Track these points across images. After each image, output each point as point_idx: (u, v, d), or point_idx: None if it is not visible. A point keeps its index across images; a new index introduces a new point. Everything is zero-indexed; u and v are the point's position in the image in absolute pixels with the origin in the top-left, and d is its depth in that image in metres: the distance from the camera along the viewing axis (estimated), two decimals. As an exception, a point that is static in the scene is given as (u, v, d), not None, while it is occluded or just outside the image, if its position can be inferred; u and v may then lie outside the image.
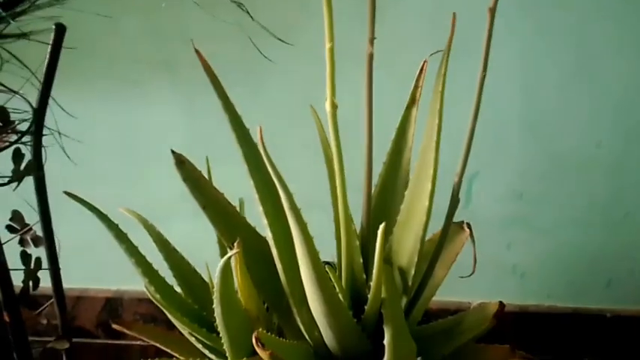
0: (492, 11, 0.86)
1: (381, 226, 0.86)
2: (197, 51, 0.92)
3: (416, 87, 1.03)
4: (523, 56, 1.37)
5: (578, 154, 1.44)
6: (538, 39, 1.36)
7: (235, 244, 0.93)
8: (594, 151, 1.44)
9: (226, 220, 1.00)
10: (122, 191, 1.45)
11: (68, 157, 0.94)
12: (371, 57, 0.92)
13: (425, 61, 1.01)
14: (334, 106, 0.84)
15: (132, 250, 1.05)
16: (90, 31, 1.08)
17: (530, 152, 1.45)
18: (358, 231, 1.03)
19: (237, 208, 1.03)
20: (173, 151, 0.97)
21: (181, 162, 0.98)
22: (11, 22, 0.79)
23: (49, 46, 0.90)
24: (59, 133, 0.92)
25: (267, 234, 0.96)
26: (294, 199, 0.84)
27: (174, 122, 1.42)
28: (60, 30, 0.92)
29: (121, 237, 1.05)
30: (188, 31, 1.30)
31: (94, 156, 1.38)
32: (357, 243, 1.00)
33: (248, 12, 0.99)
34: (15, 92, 0.87)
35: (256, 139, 0.90)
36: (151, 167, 1.43)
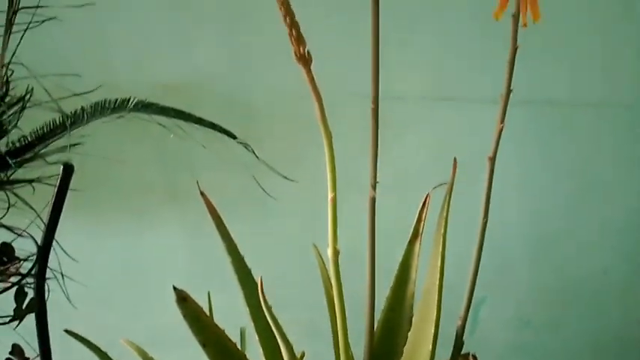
0: (492, 160, 0.87)
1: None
2: (202, 193, 0.93)
3: (419, 221, 1.03)
4: (528, 182, 1.38)
5: (585, 281, 1.43)
6: (543, 166, 1.37)
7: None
8: (602, 278, 1.43)
9: (226, 358, 0.99)
10: (125, 318, 1.44)
11: (70, 301, 0.93)
12: (373, 200, 0.93)
13: (427, 195, 1.01)
14: (336, 253, 0.85)
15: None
16: (97, 171, 1.10)
17: (537, 278, 1.44)
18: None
19: (239, 338, 1.02)
20: (175, 288, 0.97)
21: (183, 298, 0.98)
22: (17, 169, 0.80)
23: (55, 187, 0.91)
24: (62, 275, 0.93)
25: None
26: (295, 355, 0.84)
27: (178, 250, 1.42)
28: (67, 170, 0.93)
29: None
30: (194, 162, 1.32)
31: (98, 282, 1.37)
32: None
33: (254, 152, 1.01)
34: (18, 234, 0.87)
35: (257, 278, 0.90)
36: (154, 295, 1.42)
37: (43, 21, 0.89)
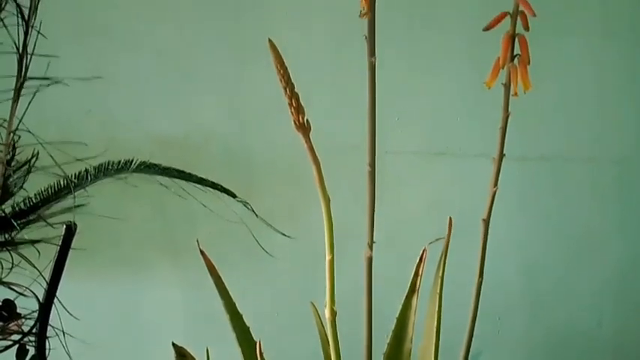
0: (486, 222, 0.89)
1: None
2: (202, 252, 0.95)
3: (416, 275, 1.04)
4: (522, 238, 1.40)
5: (580, 334, 1.44)
6: (537, 221, 1.39)
7: None
8: (596, 331, 1.44)
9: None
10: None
11: (70, 358, 0.94)
12: (370, 260, 0.95)
13: (424, 251, 1.03)
14: (333, 314, 0.86)
15: None
16: (98, 229, 1.12)
17: (532, 332, 1.44)
18: None
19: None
20: (174, 344, 0.98)
21: (182, 355, 0.99)
22: (21, 231, 0.82)
23: (58, 247, 0.92)
24: (63, 333, 0.93)
25: None
26: None
27: (178, 306, 1.43)
28: (70, 231, 0.95)
29: None
30: (194, 219, 1.34)
31: (98, 338, 1.37)
32: None
33: (253, 210, 1.03)
34: (20, 293, 0.88)
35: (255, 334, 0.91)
36: (153, 351, 1.42)
37: (49, 84, 0.92)
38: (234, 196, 1.01)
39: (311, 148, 0.77)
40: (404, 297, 1.05)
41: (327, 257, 0.83)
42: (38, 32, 0.88)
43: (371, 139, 0.88)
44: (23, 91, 0.88)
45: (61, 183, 0.88)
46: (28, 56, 0.88)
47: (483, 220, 0.90)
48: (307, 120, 0.77)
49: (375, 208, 0.94)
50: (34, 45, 0.88)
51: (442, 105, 1.40)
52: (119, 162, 0.92)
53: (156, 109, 1.37)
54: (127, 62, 1.34)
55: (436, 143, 1.40)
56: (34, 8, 0.81)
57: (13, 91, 0.84)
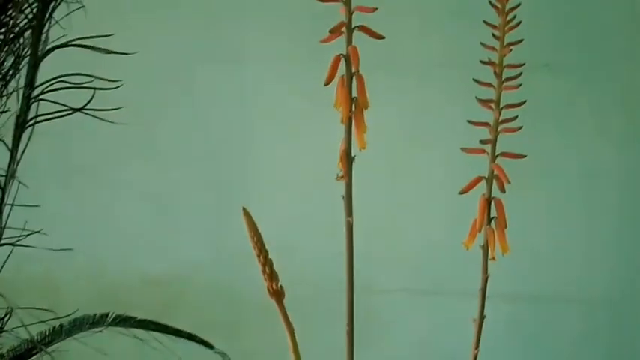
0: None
1: None
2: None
3: None
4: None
5: None
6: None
7: None
8: None
9: None
10: None
11: None
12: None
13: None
14: None
15: None
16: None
17: None
18: None
19: None
20: None
21: None
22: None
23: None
24: None
25: None
26: None
27: None
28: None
29: None
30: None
31: None
32: None
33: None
34: None
35: None
36: None
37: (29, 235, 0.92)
38: (211, 347, 1.00)
39: (284, 314, 0.77)
40: None
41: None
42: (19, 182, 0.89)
43: (349, 303, 0.86)
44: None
45: (35, 339, 0.87)
46: (8, 207, 0.89)
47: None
48: (281, 286, 0.76)
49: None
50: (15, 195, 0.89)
51: (429, 243, 1.40)
52: (94, 315, 0.91)
53: (141, 247, 1.37)
54: (112, 202, 1.36)
55: (425, 282, 1.39)
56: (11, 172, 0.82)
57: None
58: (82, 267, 1.36)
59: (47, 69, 0.87)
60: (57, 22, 0.86)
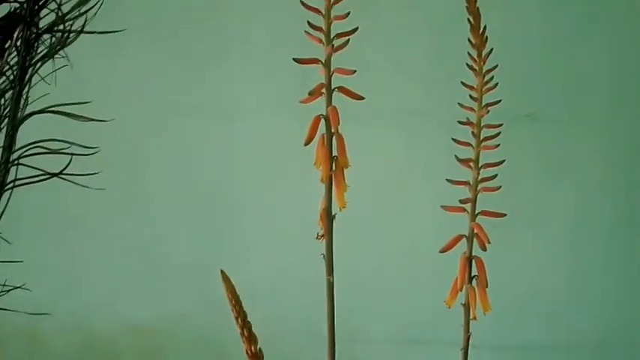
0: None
1: None
2: None
3: None
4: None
5: None
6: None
7: None
8: None
9: None
10: None
11: None
12: None
13: None
14: None
15: None
16: None
17: None
18: None
19: None
20: None
21: None
22: None
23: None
24: None
25: None
26: None
27: None
28: None
29: None
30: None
31: None
32: None
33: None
34: None
35: None
36: None
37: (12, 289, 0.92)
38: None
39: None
40: None
41: None
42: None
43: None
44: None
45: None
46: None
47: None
48: (260, 349, 0.76)
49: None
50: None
51: (416, 290, 1.39)
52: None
53: (127, 297, 1.36)
54: (98, 252, 1.35)
55: (410, 331, 1.39)
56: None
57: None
58: (66, 318, 1.35)
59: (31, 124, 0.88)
60: (42, 78, 0.87)
